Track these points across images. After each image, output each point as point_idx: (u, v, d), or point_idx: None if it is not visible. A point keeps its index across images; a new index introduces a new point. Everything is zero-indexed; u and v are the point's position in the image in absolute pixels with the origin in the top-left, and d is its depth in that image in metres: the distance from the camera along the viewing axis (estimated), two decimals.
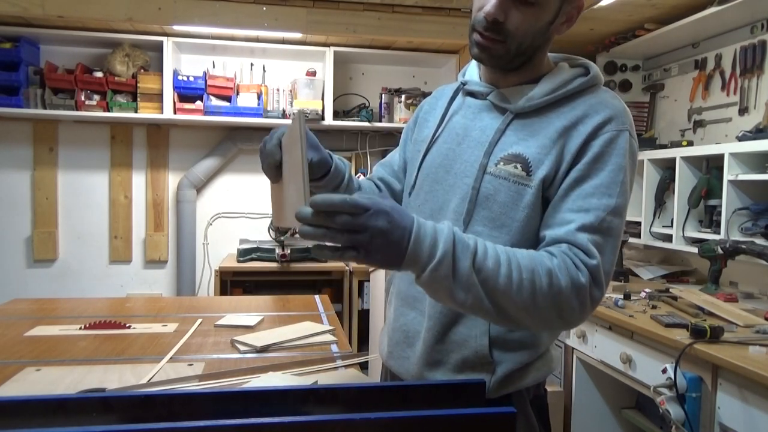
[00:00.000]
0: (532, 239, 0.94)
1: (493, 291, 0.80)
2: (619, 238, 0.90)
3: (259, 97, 3.34)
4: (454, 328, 0.97)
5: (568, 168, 0.91)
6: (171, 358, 1.35)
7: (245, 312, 1.83)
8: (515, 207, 0.93)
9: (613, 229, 0.89)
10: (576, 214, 0.88)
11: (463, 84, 1.08)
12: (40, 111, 3.11)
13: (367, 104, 3.58)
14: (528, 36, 0.94)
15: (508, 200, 0.93)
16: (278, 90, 3.42)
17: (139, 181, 3.50)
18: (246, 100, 3.33)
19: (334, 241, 0.74)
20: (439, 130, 1.07)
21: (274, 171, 0.97)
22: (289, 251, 3.23)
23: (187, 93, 3.24)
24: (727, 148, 2.18)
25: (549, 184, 0.92)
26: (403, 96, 3.48)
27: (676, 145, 2.63)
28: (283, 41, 3.36)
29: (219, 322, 1.67)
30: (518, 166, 0.93)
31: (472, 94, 1.06)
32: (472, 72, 1.09)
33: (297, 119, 0.88)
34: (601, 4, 2.55)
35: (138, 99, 3.19)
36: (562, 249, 0.86)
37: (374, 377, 2.71)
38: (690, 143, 2.64)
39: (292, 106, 3.35)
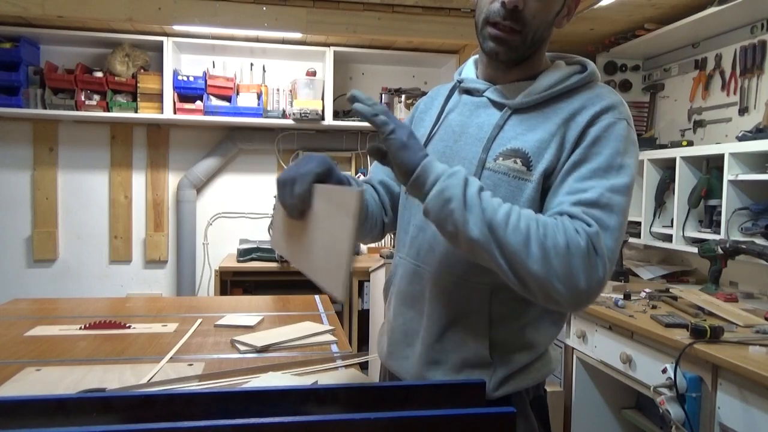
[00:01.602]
0: None
1: (494, 226, 0.82)
2: (622, 216, 0.87)
3: (259, 97, 3.34)
4: (453, 328, 0.97)
5: (568, 155, 0.91)
6: (171, 358, 1.35)
7: (245, 312, 1.83)
8: (515, 202, 0.92)
9: (614, 206, 0.85)
10: (572, 195, 0.87)
11: (460, 82, 1.07)
12: (40, 111, 3.11)
13: None
14: (542, 25, 0.94)
15: (508, 195, 0.93)
16: (278, 90, 3.42)
17: (139, 181, 3.50)
18: (246, 100, 3.33)
19: (376, 119, 0.83)
20: (435, 128, 1.07)
21: (297, 213, 0.92)
22: None
23: (187, 93, 3.24)
24: (727, 148, 2.18)
25: (549, 175, 0.92)
26: (403, 96, 3.48)
27: (676, 145, 2.63)
28: (283, 41, 3.36)
29: (219, 322, 1.67)
30: (518, 161, 0.93)
31: (468, 91, 1.05)
32: (469, 70, 1.09)
33: (355, 199, 0.80)
34: (601, 4, 2.55)
35: (138, 99, 3.19)
36: (562, 218, 0.85)
37: (374, 377, 2.71)
38: (690, 143, 2.64)
39: (292, 105, 3.35)
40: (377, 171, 1.22)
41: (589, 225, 0.83)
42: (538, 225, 0.82)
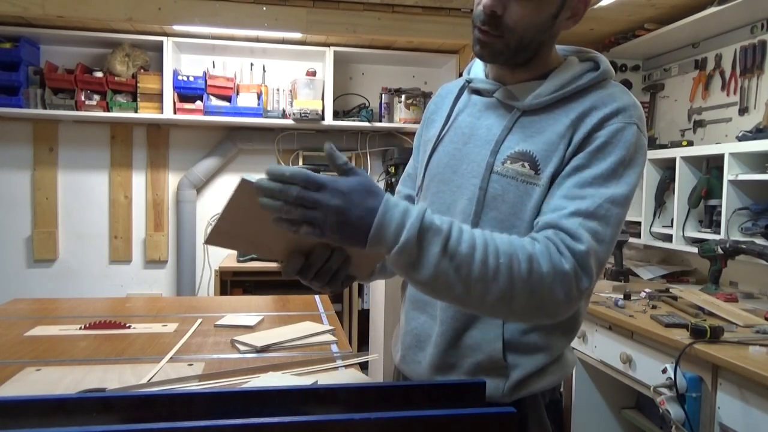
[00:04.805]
0: None
1: (466, 279, 0.77)
2: (617, 228, 0.86)
3: (259, 97, 3.34)
4: (467, 333, 0.96)
5: (571, 156, 0.89)
6: (171, 358, 1.35)
7: (245, 312, 1.83)
8: (524, 207, 0.91)
9: (612, 218, 0.84)
10: (570, 201, 0.84)
11: (469, 81, 1.05)
12: (40, 111, 3.11)
13: (367, 104, 3.58)
14: (529, 30, 0.90)
15: (516, 200, 0.91)
16: (278, 90, 3.43)
17: (139, 181, 3.50)
18: (246, 100, 3.33)
19: (289, 215, 0.73)
20: (445, 129, 1.04)
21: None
22: None
23: (187, 93, 3.24)
24: (727, 148, 2.18)
25: (556, 177, 0.90)
26: (403, 96, 3.48)
27: (676, 145, 2.63)
28: (283, 41, 3.36)
29: (219, 322, 1.67)
30: (525, 164, 0.91)
31: (477, 91, 1.03)
32: (478, 69, 1.06)
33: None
34: (601, 4, 2.55)
35: (138, 99, 3.19)
36: (548, 234, 0.82)
37: (374, 377, 2.71)
38: (690, 143, 2.64)
39: (292, 105, 3.35)
40: (403, 185, 1.19)
41: (578, 241, 0.80)
42: (519, 262, 0.78)
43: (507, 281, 0.77)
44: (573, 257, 0.80)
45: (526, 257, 0.78)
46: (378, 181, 3.73)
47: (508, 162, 0.92)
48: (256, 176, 0.75)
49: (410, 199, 1.16)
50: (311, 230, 0.74)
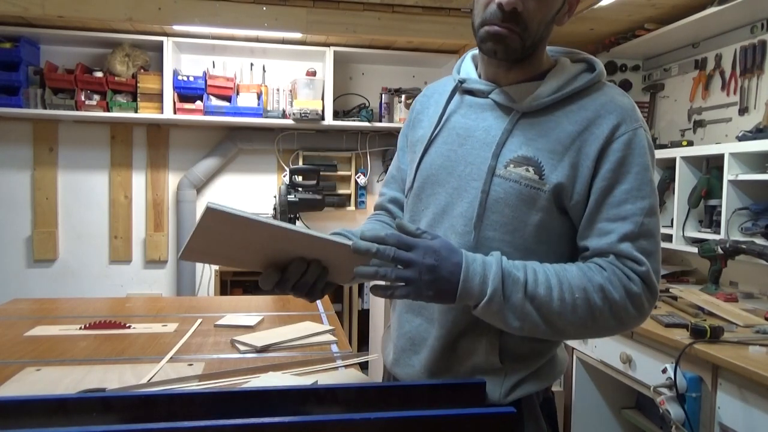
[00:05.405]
0: (547, 242, 0.93)
1: (548, 316, 0.85)
2: (659, 235, 0.92)
3: (259, 97, 3.34)
4: (464, 336, 0.95)
5: (590, 176, 0.90)
6: (171, 358, 1.35)
7: (245, 312, 1.83)
8: (528, 211, 0.91)
9: (653, 229, 0.90)
10: (614, 224, 0.89)
11: (461, 82, 1.02)
12: (40, 111, 3.11)
13: (367, 104, 3.58)
14: (542, 25, 0.91)
15: (520, 204, 0.91)
16: (278, 90, 3.43)
17: (139, 181, 3.50)
18: (246, 100, 3.33)
19: (385, 277, 0.79)
20: (437, 130, 1.02)
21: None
22: None
23: (187, 93, 3.24)
24: (727, 148, 2.18)
25: (569, 194, 0.90)
26: (403, 96, 3.48)
27: (676, 145, 2.63)
28: (283, 41, 3.36)
29: (219, 322, 1.67)
30: (530, 169, 0.91)
31: (470, 92, 1.01)
32: (468, 68, 1.05)
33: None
34: (601, 4, 2.55)
35: (138, 99, 3.19)
36: (610, 260, 0.88)
37: (374, 377, 2.71)
38: (690, 143, 2.64)
39: (292, 105, 3.35)
40: (388, 187, 1.18)
41: (640, 264, 0.87)
42: (593, 293, 0.86)
43: (585, 313, 0.86)
44: (639, 279, 0.87)
45: (597, 288, 0.86)
46: (378, 182, 3.73)
47: (512, 165, 0.92)
48: (220, 204, 0.79)
49: (396, 201, 1.15)
50: (407, 291, 0.82)
